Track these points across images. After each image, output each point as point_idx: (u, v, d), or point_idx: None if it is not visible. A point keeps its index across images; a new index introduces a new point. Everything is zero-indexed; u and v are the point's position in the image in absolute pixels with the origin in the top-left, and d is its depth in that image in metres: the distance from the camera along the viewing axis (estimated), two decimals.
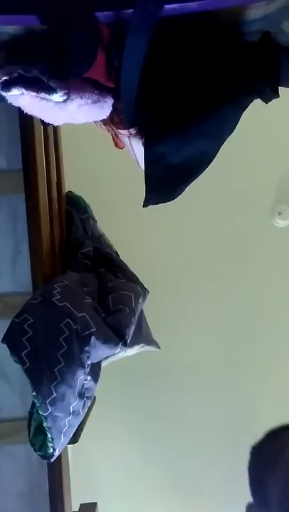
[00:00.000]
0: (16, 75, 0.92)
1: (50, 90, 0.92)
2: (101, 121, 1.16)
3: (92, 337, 1.37)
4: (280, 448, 0.96)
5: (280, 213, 2.52)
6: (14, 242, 1.56)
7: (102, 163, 2.30)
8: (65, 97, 0.94)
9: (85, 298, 1.50)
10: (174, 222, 2.44)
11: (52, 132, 1.73)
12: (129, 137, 1.12)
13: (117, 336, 1.46)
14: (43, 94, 0.93)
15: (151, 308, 1.79)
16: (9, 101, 0.99)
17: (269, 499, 0.92)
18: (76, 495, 1.79)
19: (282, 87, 1.03)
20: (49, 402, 1.29)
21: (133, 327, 1.55)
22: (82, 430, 1.52)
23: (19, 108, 1.02)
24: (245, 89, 1.02)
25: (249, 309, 2.55)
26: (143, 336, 1.70)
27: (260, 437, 1.01)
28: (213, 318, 2.53)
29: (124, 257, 1.85)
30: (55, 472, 1.59)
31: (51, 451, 1.33)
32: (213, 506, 2.58)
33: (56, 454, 1.34)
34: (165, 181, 1.09)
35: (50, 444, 1.32)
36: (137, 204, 1.13)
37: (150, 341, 1.77)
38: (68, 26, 0.86)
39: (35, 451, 1.36)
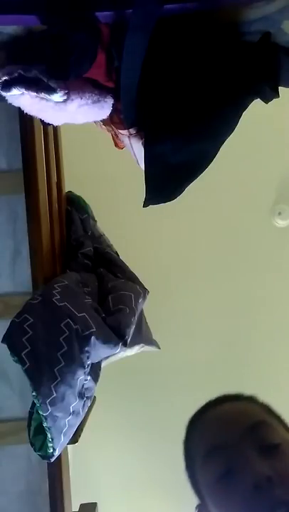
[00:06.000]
0: (16, 75, 0.92)
1: (50, 90, 0.92)
2: (101, 121, 1.16)
3: (92, 337, 1.37)
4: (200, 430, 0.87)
5: (280, 213, 2.52)
6: (14, 242, 1.56)
7: (102, 163, 2.29)
8: (65, 97, 0.94)
9: (85, 298, 1.50)
10: (173, 222, 2.44)
11: (52, 132, 1.73)
12: (129, 137, 1.12)
13: (117, 336, 1.46)
14: (43, 94, 0.93)
15: (151, 309, 1.79)
16: (9, 101, 0.99)
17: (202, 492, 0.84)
18: (76, 495, 1.79)
19: (282, 87, 1.03)
20: (49, 402, 1.29)
21: (133, 327, 1.55)
22: (82, 430, 1.52)
23: (19, 108, 1.02)
24: (245, 90, 1.02)
25: (249, 309, 2.55)
26: (143, 336, 1.69)
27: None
28: (213, 318, 2.53)
29: (124, 257, 1.85)
30: (55, 472, 1.59)
31: (51, 451, 1.33)
32: None
33: (56, 454, 1.34)
34: (165, 181, 1.09)
35: (50, 444, 1.32)
36: (136, 204, 1.13)
37: (150, 341, 1.77)
38: (68, 26, 0.86)
39: (35, 451, 1.36)
